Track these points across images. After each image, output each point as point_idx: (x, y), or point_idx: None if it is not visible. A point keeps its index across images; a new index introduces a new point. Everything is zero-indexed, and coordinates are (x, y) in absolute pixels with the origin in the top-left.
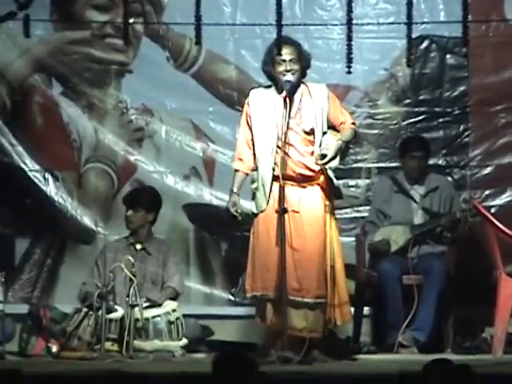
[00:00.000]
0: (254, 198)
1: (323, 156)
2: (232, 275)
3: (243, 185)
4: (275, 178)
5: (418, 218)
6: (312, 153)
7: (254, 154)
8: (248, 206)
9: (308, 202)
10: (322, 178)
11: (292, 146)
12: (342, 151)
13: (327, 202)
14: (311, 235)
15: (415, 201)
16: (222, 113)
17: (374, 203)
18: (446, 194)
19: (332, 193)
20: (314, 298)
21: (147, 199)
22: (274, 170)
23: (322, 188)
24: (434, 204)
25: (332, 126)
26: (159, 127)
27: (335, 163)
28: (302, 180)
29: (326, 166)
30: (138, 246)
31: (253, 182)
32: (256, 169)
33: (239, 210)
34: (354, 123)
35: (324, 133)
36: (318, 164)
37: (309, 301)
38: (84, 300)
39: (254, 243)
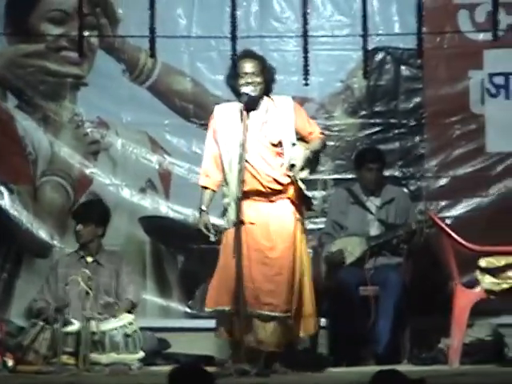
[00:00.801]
0: (224, 213)
1: (292, 166)
2: (189, 288)
3: (211, 202)
4: (245, 193)
5: (374, 230)
6: (281, 165)
7: (223, 169)
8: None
9: (278, 216)
10: (291, 192)
11: (260, 157)
12: (311, 161)
13: (297, 216)
14: (283, 248)
15: (371, 212)
16: (177, 125)
17: (331, 215)
18: (402, 205)
19: (303, 205)
20: (283, 312)
21: (96, 213)
22: (242, 184)
23: (291, 202)
24: (389, 215)
25: (301, 138)
26: (115, 140)
27: (305, 174)
28: (272, 194)
29: (296, 177)
30: (89, 259)
31: (223, 196)
32: (226, 184)
33: (211, 229)
34: (322, 133)
35: (293, 144)
36: (287, 175)
37: (278, 315)
38: (37, 315)
39: (221, 257)
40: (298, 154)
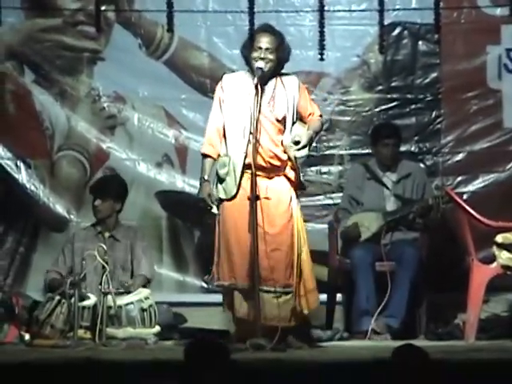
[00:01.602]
0: (221, 182)
1: (296, 143)
2: (205, 262)
3: (213, 171)
4: (246, 166)
5: (391, 205)
6: (281, 142)
7: (225, 139)
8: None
9: (276, 192)
10: (287, 169)
11: (265, 133)
12: (311, 142)
13: (293, 192)
14: (281, 225)
15: (387, 188)
16: (194, 100)
17: (347, 190)
18: (419, 180)
19: (297, 183)
20: (282, 286)
21: (114, 189)
22: (245, 157)
23: (287, 178)
24: (406, 191)
25: (300, 117)
26: (131, 115)
27: (304, 152)
28: (270, 170)
29: (296, 155)
30: (107, 234)
31: (223, 166)
32: (227, 154)
33: (214, 200)
34: (321, 115)
35: (293, 122)
36: (288, 152)
37: (278, 289)
38: (50, 287)
39: (221, 231)
40: (303, 132)
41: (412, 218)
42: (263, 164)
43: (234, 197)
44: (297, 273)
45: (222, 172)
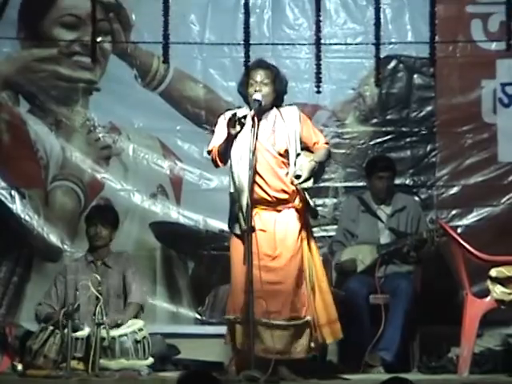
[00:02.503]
0: (236, 219)
1: (298, 177)
2: (199, 294)
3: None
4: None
5: (385, 238)
6: (286, 174)
7: (232, 175)
8: (215, 224)
9: (283, 224)
10: (296, 201)
11: (268, 167)
12: (316, 172)
13: (303, 223)
14: (287, 257)
15: (382, 221)
16: (189, 131)
17: (342, 222)
18: (413, 213)
19: (308, 213)
20: (287, 319)
21: (113, 216)
22: (251, 191)
23: (296, 210)
24: (400, 224)
25: (305, 147)
26: (126, 145)
27: (309, 184)
28: (277, 203)
29: (301, 187)
30: (99, 263)
31: (234, 203)
32: (235, 190)
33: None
34: (327, 143)
35: (298, 154)
36: (292, 185)
37: (281, 323)
38: (43, 319)
39: (232, 265)
40: (304, 164)
41: (406, 250)
42: (268, 198)
43: (246, 231)
44: (314, 303)
45: (234, 209)
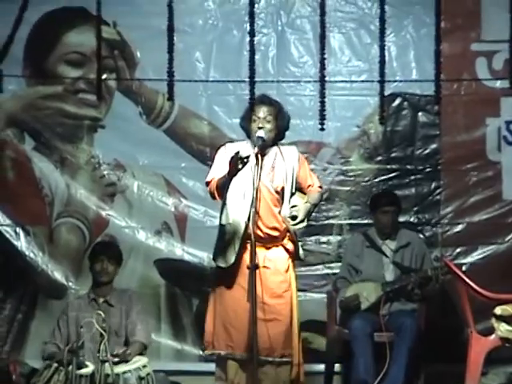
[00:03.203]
0: (223, 253)
1: (294, 217)
2: (203, 331)
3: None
4: (246, 236)
5: (390, 273)
6: (279, 213)
7: (226, 208)
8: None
9: (273, 262)
10: (285, 240)
11: (265, 203)
12: (309, 214)
13: (290, 262)
14: (279, 294)
15: (386, 256)
16: (194, 168)
17: (346, 258)
18: (418, 250)
19: (295, 255)
20: (279, 356)
21: (118, 252)
22: (246, 226)
23: (285, 249)
24: (405, 259)
25: (299, 188)
26: (131, 182)
27: (302, 225)
28: (268, 240)
29: (294, 228)
30: (101, 300)
31: (224, 235)
32: (228, 222)
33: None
34: (320, 187)
35: (292, 194)
36: (286, 225)
37: (276, 360)
38: (50, 358)
39: (216, 299)
40: (301, 205)
41: (411, 288)
42: (261, 235)
43: (233, 265)
44: (298, 341)
45: (221, 242)
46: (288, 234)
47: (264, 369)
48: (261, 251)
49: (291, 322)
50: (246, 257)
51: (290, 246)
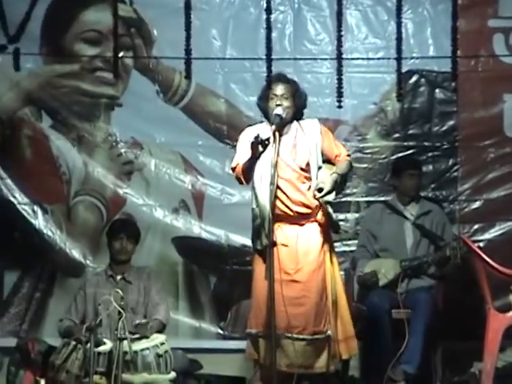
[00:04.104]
0: (258, 234)
1: (320, 190)
2: (221, 309)
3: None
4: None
5: (410, 239)
6: (308, 189)
7: (254, 190)
8: (237, 239)
9: (306, 238)
10: (319, 215)
11: (289, 182)
12: (339, 184)
13: (326, 238)
14: (310, 271)
15: (408, 219)
16: (211, 146)
17: (365, 225)
18: (438, 219)
19: (330, 227)
20: (311, 334)
21: (136, 230)
22: (273, 206)
23: (319, 224)
24: (426, 226)
25: (327, 160)
26: (148, 160)
27: (332, 197)
28: (300, 218)
29: (323, 200)
30: (118, 277)
31: (256, 218)
32: (257, 206)
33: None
34: (349, 155)
35: (319, 167)
36: (315, 199)
37: (306, 337)
38: (65, 335)
39: (253, 280)
40: (326, 177)
41: (428, 266)
42: (290, 213)
43: (266, 247)
44: (335, 319)
45: (256, 225)
46: (322, 209)
47: (296, 347)
48: (294, 229)
49: (326, 298)
50: (279, 235)
51: (323, 220)
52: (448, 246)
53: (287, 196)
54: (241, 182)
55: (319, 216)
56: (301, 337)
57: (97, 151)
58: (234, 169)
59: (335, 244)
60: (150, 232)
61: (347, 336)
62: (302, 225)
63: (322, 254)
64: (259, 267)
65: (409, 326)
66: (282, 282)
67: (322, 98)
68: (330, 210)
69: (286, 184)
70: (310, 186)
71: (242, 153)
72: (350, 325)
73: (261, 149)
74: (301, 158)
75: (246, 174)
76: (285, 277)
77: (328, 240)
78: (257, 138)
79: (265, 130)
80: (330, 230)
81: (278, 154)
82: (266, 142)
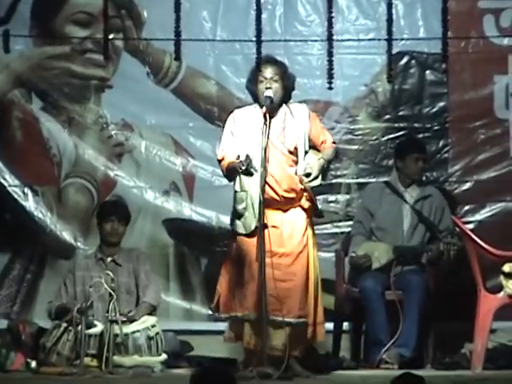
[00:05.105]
0: (240, 218)
1: (307, 175)
2: (212, 290)
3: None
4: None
5: (408, 221)
6: (295, 173)
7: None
8: (228, 221)
9: (290, 223)
10: (303, 200)
11: (278, 165)
12: (324, 170)
13: (309, 222)
14: (294, 255)
15: (407, 202)
16: (202, 128)
17: (363, 202)
18: (438, 203)
19: (313, 212)
20: (296, 317)
21: (127, 212)
22: (262, 191)
23: (303, 209)
24: (424, 211)
25: (312, 146)
26: (139, 142)
27: (317, 182)
28: (285, 203)
29: (309, 185)
30: (108, 259)
31: (241, 201)
32: (242, 190)
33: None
34: (334, 142)
35: (306, 152)
36: (301, 183)
37: (291, 320)
38: (55, 316)
39: (234, 262)
40: (314, 162)
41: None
42: (277, 198)
43: (254, 231)
44: (314, 302)
45: (240, 207)
46: (305, 194)
47: (280, 330)
48: (278, 214)
49: (307, 282)
50: (265, 220)
51: (307, 205)
52: (442, 240)
53: (275, 180)
54: (225, 176)
55: (303, 201)
56: (286, 320)
57: (87, 133)
58: (220, 161)
59: (326, 226)
60: (140, 214)
61: (321, 320)
62: (286, 210)
63: (305, 238)
64: (243, 250)
65: (401, 308)
66: (267, 266)
67: (313, 79)
68: (313, 195)
69: (275, 167)
70: (296, 171)
71: (228, 141)
72: (321, 310)
73: (242, 168)
74: (289, 142)
75: (229, 176)
76: (271, 261)
77: (310, 225)
78: (247, 159)
79: (253, 112)
80: (313, 215)
81: (267, 137)
82: (252, 171)
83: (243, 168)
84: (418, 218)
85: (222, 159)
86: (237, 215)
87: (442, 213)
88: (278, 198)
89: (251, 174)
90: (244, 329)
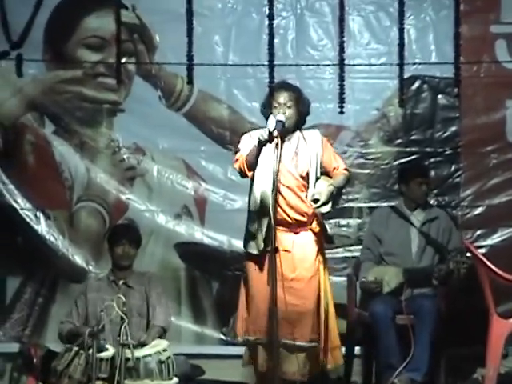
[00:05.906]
0: (253, 239)
1: (315, 201)
2: (223, 314)
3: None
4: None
5: (415, 244)
6: (305, 197)
7: (253, 195)
8: (239, 245)
9: (301, 246)
10: (314, 224)
11: (290, 189)
12: (334, 197)
13: (320, 247)
14: (306, 279)
15: (414, 226)
16: (213, 152)
17: (371, 228)
18: (445, 225)
19: (323, 238)
20: (307, 341)
21: (138, 235)
22: (274, 214)
23: (314, 232)
24: (431, 233)
25: (325, 172)
26: (151, 166)
27: (327, 209)
28: (296, 225)
29: (318, 211)
30: (120, 282)
31: (253, 222)
32: (254, 210)
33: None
34: (346, 169)
35: (317, 178)
36: (311, 209)
37: (302, 344)
38: (67, 338)
39: (249, 285)
40: (322, 188)
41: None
42: (289, 220)
43: (263, 252)
44: (325, 327)
45: (252, 228)
46: (316, 218)
47: (291, 354)
48: (289, 236)
49: (319, 307)
50: (276, 243)
51: (318, 229)
52: (452, 259)
53: (287, 203)
54: (243, 175)
55: (314, 225)
56: (298, 344)
57: (99, 157)
58: (236, 160)
59: (337, 250)
60: (152, 238)
61: (334, 345)
62: (297, 233)
63: (317, 262)
64: (255, 272)
65: (413, 332)
66: (279, 289)
67: (325, 103)
68: (325, 224)
69: (287, 191)
70: (306, 195)
71: (246, 147)
72: (336, 334)
73: (267, 137)
74: (302, 167)
75: (250, 163)
76: (282, 284)
77: (321, 249)
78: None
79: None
80: (323, 241)
81: (279, 161)
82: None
83: (269, 132)
84: (425, 240)
85: (239, 158)
86: (250, 236)
87: (449, 234)
88: (289, 220)
89: (271, 141)
90: (258, 352)
